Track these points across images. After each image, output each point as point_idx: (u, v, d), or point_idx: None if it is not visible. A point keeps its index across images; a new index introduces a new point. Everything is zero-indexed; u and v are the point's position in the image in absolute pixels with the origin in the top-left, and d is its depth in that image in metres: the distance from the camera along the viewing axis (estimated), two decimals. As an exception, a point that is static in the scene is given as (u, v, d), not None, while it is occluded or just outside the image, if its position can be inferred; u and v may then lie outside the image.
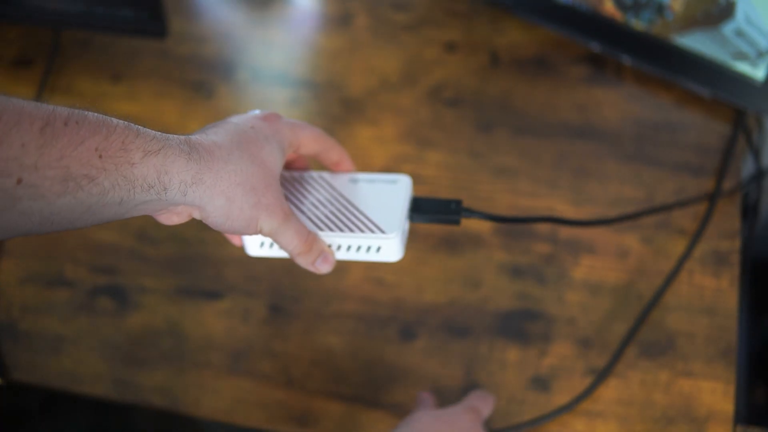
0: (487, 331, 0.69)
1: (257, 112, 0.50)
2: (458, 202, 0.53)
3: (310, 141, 0.52)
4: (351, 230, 0.51)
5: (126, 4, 0.76)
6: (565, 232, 0.71)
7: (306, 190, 0.54)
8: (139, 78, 0.83)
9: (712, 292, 0.69)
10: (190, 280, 0.73)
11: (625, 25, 0.76)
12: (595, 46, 0.79)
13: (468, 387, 0.67)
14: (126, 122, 0.39)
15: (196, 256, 0.74)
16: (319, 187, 0.54)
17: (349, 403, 0.68)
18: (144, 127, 0.41)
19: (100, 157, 0.37)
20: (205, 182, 0.42)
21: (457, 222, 0.53)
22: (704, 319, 0.68)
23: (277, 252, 0.52)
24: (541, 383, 0.67)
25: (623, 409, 0.66)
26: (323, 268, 0.51)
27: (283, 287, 0.72)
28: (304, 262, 0.50)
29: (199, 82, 0.83)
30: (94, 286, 0.74)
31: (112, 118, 0.39)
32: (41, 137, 0.35)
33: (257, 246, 0.53)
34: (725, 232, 0.71)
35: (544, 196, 0.74)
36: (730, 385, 0.66)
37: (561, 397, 0.66)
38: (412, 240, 0.72)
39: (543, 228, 0.72)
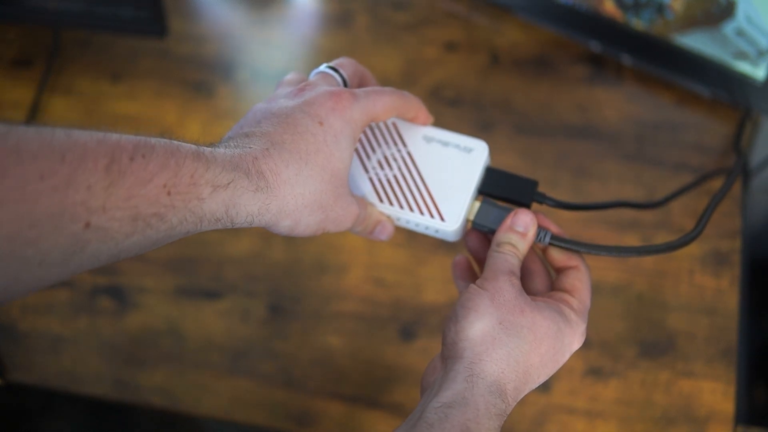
0: (487, 331, 0.69)
1: (324, 90, 0.44)
2: (534, 184, 0.49)
3: (386, 113, 0.47)
4: (411, 209, 0.49)
5: (126, 3, 0.76)
6: (565, 232, 0.71)
7: (376, 139, 0.50)
8: (139, 78, 0.83)
9: (713, 292, 0.69)
10: (190, 280, 0.73)
11: (625, 25, 0.76)
12: (595, 46, 0.79)
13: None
14: (195, 149, 0.37)
15: (196, 256, 0.74)
16: (390, 140, 0.50)
17: (349, 403, 0.68)
18: (213, 148, 0.39)
19: (169, 194, 0.35)
20: (271, 210, 0.40)
21: (527, 206, 0.49)
22: (704, 319, 0.68)
23: None
24: (542, 383, 0.67)
25: (623, 409, 0.66)
26: (382, 236, 0.49)
27: (283, 287, 0.72)
28: (361, 233, 0.48)
29: (199, 82, 0.83)
30: (94, 286, 0.74)
31: (181, 145, 0.37)
32: (107, 177, 0.33)
33: None
34: (725, 232, 0.71)
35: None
36: (730, 385, 0.66)
37: (561, 397, 0.66)
38: (413, 240, 0.72)
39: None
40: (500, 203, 0.49)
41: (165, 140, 0.37)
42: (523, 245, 0.46)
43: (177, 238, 0.38)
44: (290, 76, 0.49)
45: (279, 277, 0.73)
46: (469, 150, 0.50)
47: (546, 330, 0.42)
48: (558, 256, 0.48)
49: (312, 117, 0.43)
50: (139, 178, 0.34)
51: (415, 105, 0.49)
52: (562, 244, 0.48)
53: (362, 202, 0.47)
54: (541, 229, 0.48)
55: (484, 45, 0.82)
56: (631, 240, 0.71)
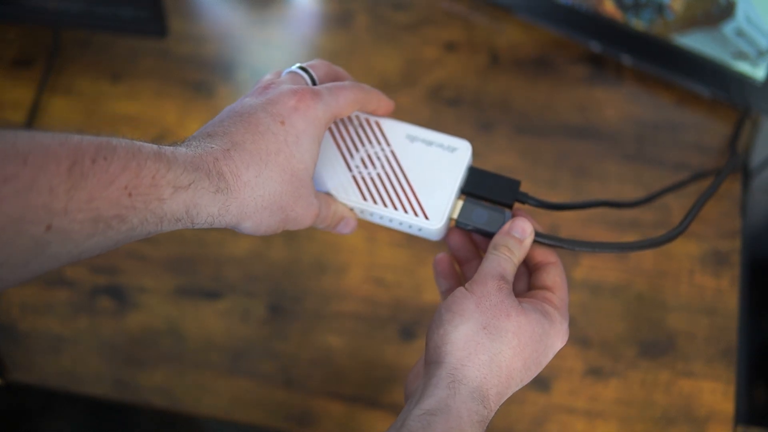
0: (487, 331, 0.69)
1: (287, 89, 0.44)
2: (516, 184, 0.50)
3: (348, 108, 0.47)
4: (395, 207, 0.49)
5: (126, 3, 0.76)
6: (565, 232, 0.71)
7: (359, 137, 0.51)
8: (139, 78, 0.83)
9: (713, 292, 0.69)
10: (190, 280, 0.73)
11: (625, 25, 0.76)
12: (595, 46, 0.79)
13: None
14: (156, 149, 0.37)
15: (196, 256, 0.74)
16: (373, 138, 0.51)
17: (349, 403, 0.68)
18: (174, 148, 0.39)
19: (130, 195, 0.35)
20: (231, 212, 0.40)
21: (509, 207, 0.49)
22: (704, 319, 0.68)
23: None
24: (541, 383, 0.67)
25: (623, 409, 0.66)
26: (345, 231, 0.49)
27: (283, 287, 0.72)
28: (324, 229, 0.49)
29: (199, 82, 0.83)
30: (94, 286, 0.74)
31: (142, 146, 0.37)
32: (69, 179, 0.33)
33: None
34: (725, 232, 0.71)
35: (545, 195, 0.73)
36: (730, 385, 0.66)
37: (561, 397, 0.66)
38: (413, 240, 0.72)
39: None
40: (483, 202, 0.49)
41: (126, 141, 0.36)
42: (519, 251, 0.46)
43: (138, 238, 0.38)
44: (267, 77, 0.49)
45: (279, 277, 0.73)
46: (452, 149, 0.50)
47: (531, 334, 0.42)
48: (537, 252, 0.48)
49: (274, 116, 0.43)
50: (100, 180, 0.34)
51: (375, 96, 0.49)
52: (546, 241, 0.48)
53: (326, 200, 0.47)
54: None
55: (484, 45, 0.82)
56: (632, 240, 0.71)
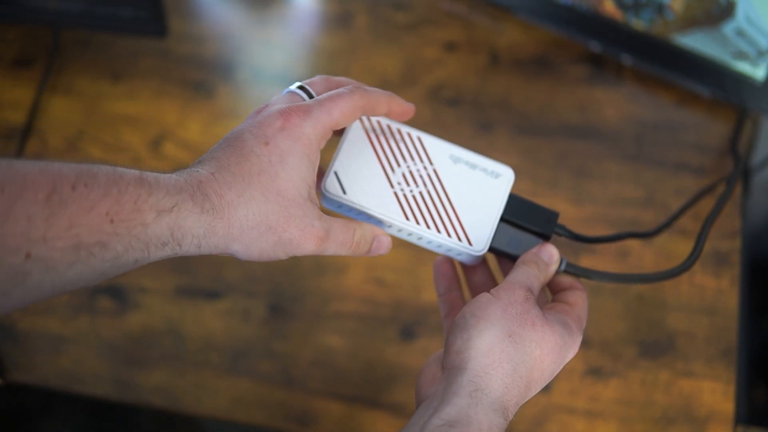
0: (487, 331, 0.69)
1: (276, 109, 0.43)
2: (554, 216, 0.49)
3: (347, 117, 0.44)
4: (438, 230, 0.48)
5: (126, 3, 0.76)
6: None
7: (401, 152, 0.49)
8: (139, 78, 0.83)
9: (713, 292, 0.69)
10: (190, 280, 0.73)
11: (625, 25, 0.76)
12: (595, 46, 0.79)
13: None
14: (138, 175, 0.37)
15: (196, 256, 0.74)
16: (415, 154, 0.49)
17: (349, 403, 0.68)
18: (158, 174, 0.38)
19: (112, 221, 0.35)
20: (217, 233, 0.40)
21: (547, 239, 0.49)
22: (704, 319, 0.68)
23: None
24: (541, 383, 0.67)
25: (623, 409, 0.66)
26: (380, 251, 0.47)
27: (283, 287, 0.72)
28: (358, 254, 0.46)
29: (199, 82, 0.83)
30: (94, 286, 0.74)
31: (124, 172, 0.37)
32: (48, 207, 0.33)
33: None
34: (725, 232, 0.71)
35: (545, 195, 0.74)
36: (730, 385, 0.66)
37: (561, 397, 0.66)
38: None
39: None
40: (518, 229, 0.49)
41: (108, 167, 0.36)
42: (545, 273, 0.46)
43: (128, 268, 0.38)
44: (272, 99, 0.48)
45: (279, 277, 0.73)
46: (496, 175, 0.49)
47: (552, 345, 0.42)
48: (564, 279, 0.49)
49: (258, 138, 0.42)
50: (80, 207, 0.34)
51: (383, 99, 0.46)
52: (576, 272, 0.49)
53: (343, 224, 0.44)
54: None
55: (484, 45, 0.82)
56: (632, 240, 0.71)
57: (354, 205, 0.48)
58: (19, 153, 0.80)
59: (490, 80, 0.80)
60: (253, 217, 0.41)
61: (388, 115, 0.48)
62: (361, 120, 0.49)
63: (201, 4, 0.88)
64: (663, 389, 0.66)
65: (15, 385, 0.72)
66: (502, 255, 0.49)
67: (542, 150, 0.76)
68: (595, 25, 0.78)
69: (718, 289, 0.69)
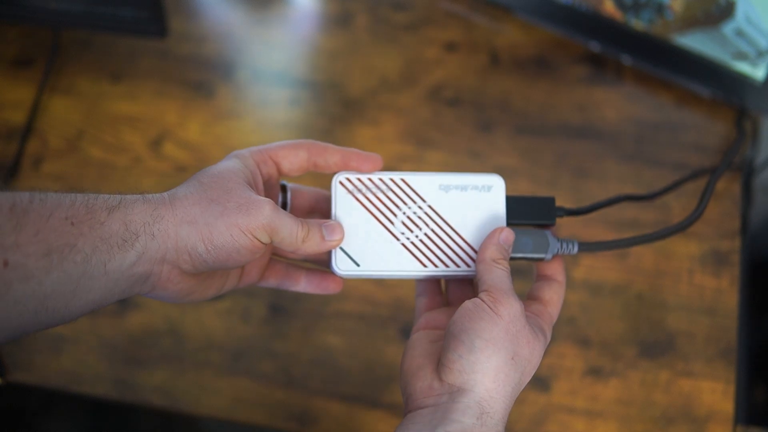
0: (487, 331, 0.69)
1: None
2: (551, 201, 0.50)
3: (288, 151, 0.47)
4: (456, 265, 0.48)
5: (126, 4, 0.76)
6: (565, 232, 0.71)
7: (392, 201, 0.49)
8: (139, 78, 0.83)
9: (712, 292, 0.69)
10: (190, 280, 0.73)
11: (625, 25, 0.76)
12: (595, 46, 0.79)
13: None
14: (83, 192, 0.41)
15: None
16: (406, 198, 0.49)
17: (349, 403, 0.68)
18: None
19: (72, 224, 0.38)
20: (164, 217, 0.42)
21: (553, 223, 0.49)
22: (704, 319, 0.68)
23: (365, 270, 0.48)
24: (541, 383, 0.67)
25: (623, 409, 0.66)
26: (335, 236, 0.47)
27: (283, 287, 0.72)
28: (313, 245, 0.46)
29: (199, 82, 0.83)
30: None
31: (71, 192, 0.41)
32: (13, 216, 0.36)
33: (338, 266, 0.48)
34: (725, 232, 0.71)
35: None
36: (730, 385, 0.66)
37: (561, 397, 0.66)
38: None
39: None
40: (523, 228, 0.49)
41: (56, 191, 0.40)
42: (507, 261, 0.47)
43: (99, 278, 0.39)
44: None
45: (279, 277, 0.73)
46: (488, 188, 0.49)
47: (537, 356, 0.44)
48: (549, 265, 0.49)
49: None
50: (40, 213, 0.38)
51: (333, 148, 0.48)
52: (591, 249, 0.50)
53: (302, 221, 0.45)
54: (566, 240, 0.49)
55: (484, 45, 0.82)
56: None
57: (372, 274, 0.48)
58: (20, 153, 0.80)
59: (489, 80, 0.80)
60: (193, 196, 0.43)
61: (342, 166, 0.48)
62: (342, 185, 0.49)
63: (201, 4, 0.88)
64: (663, 389, 0.66)
65: (15, 384, 0.72)
66: (522, 260, 0.49)
67: (542, 150, 0.76)
68: (595, 25, 0.78)
69: (718, 289, 0.69)
